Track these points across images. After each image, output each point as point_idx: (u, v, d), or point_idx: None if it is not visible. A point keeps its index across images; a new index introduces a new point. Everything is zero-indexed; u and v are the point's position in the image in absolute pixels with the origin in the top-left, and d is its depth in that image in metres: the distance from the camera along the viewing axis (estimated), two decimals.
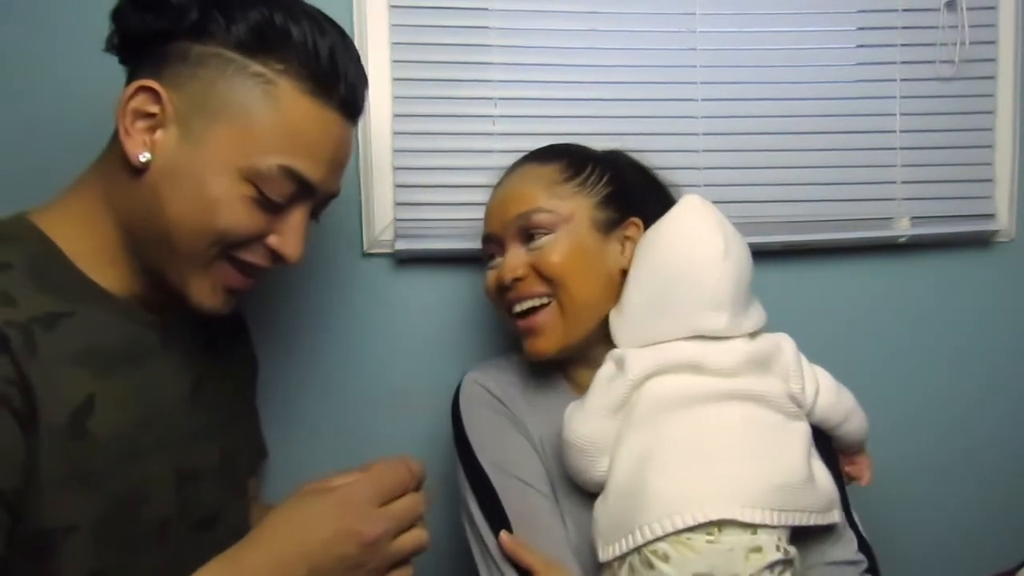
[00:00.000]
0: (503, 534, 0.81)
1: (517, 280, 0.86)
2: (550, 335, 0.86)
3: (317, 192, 0.73)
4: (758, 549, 0.71)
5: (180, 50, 0.68)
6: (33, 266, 0.66)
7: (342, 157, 0.76)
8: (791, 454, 0.77)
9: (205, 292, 0.72)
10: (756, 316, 0.84)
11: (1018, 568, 1.08)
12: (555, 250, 0.85)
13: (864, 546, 0.84)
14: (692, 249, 0.82)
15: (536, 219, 0.86)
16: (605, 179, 0.90)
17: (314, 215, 0.78)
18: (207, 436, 0.81)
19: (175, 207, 0.68)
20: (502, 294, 0.89)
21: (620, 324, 0.85)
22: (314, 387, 1.11)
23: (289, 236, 0.73)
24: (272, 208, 0.71)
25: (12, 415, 0.59)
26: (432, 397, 1.10)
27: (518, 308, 0.88)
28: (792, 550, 0.74)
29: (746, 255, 0.85)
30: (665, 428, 0.77)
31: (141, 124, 0.68)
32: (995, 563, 1.13)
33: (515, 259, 0.87)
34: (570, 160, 0.91)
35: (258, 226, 0.71)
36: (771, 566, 0.71)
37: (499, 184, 0.94)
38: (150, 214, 0.69)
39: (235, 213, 0.69)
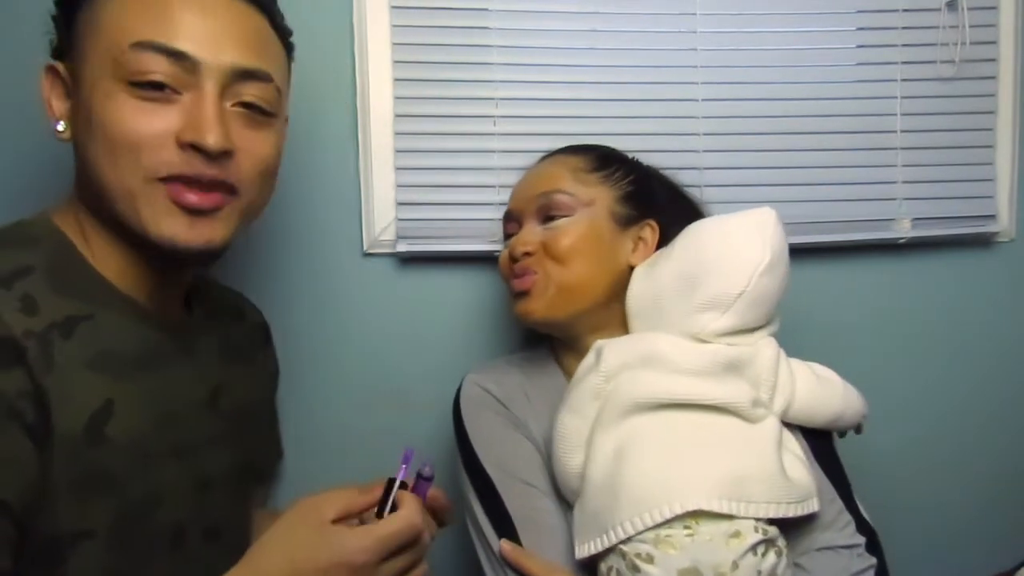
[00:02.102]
0: (503, 542, 0.81)
1: (526, 254, 0.88)
2: (538, 300, 0.87)
3: (200, 64, 0.67)
4: (737, 534, 0.72)
5: (76, 24, 0.70)
6: (52, 268, 0.67)
7: (208, 21, 0.68)
8: (757, 451, 0.77)
9: (162, 220, 0.67)
10: (751, 339, 0.83)
11: (1018, 568, 1.08)
12: (568, 233, 0.87)
13: (865, 528, 0.83)
14: (735, 252, 0.81)
15: (557, 199, 0.88)
16: (630, 178, 0.92)
17: (250, 107, 0.71)
18: (222, 443, 0.81)
19: (93, 152, 0.67)
20: (511, 266, 0.91)
21: (635, 300, 0.87)
22: (314, 387, 1.11)
23: (195, 121, 0.67)
24: (163, 98, 0.67)
25: (25, 430, 0.59)
26: (433, 397, 1.10)
27: (519, 275, 0.89)
28: (772, 529, 0.75)
29: (781, 285, 0.83)
30: (634, 428, 0.78)
31: (56, 103, 0.71)
32: (995, 563, 1.13)
33: (529, 234, 0.89)
34: (599, 154, 0.94)
35: (162, 124, 0.66)
36: (753, 548, 0.72)
37: (528, 170, 0.97)
38: (91, 179, 0.69)
39: (130, 117, 0.66)
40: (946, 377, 1.24)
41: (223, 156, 0.68)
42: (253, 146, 0.71)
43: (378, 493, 0.66)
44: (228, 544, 0.79)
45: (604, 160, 0.93)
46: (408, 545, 0.64)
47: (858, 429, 0.93)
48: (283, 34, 0.77)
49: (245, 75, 0.70)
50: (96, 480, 0.64)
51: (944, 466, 1.24)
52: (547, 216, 0.89)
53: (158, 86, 0.66)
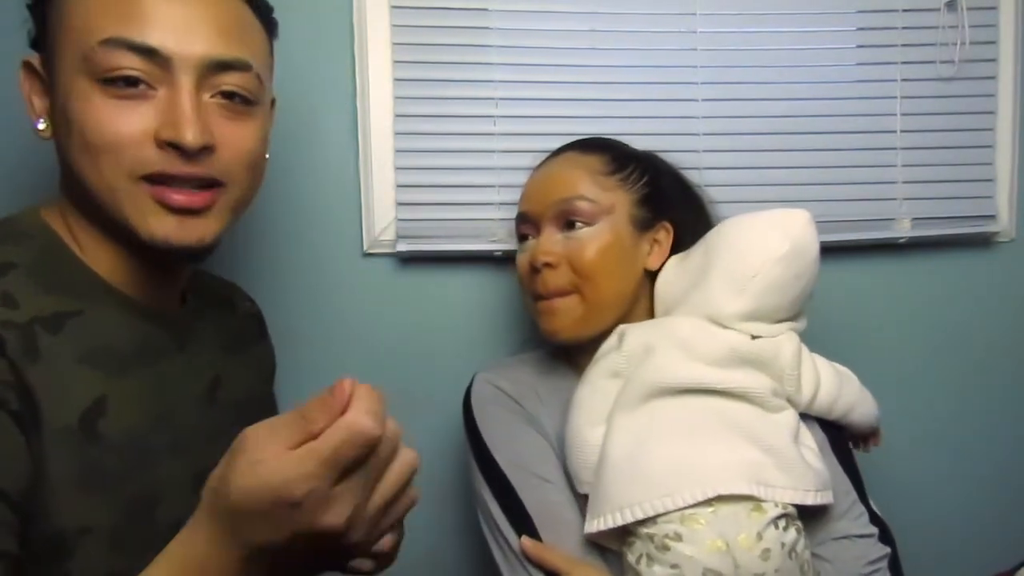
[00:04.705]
0: (524, 539, 0.80)
1: (547, 265, 0.87)
2: (567, 317, 0.87)
3: (172, 59, 0.65)
4: (757, 508, 0.74)
5: (47, 17, 0.68)
6: (38, 265, 0.66)
7: (179, 10, 0.66)
8: (776, 439, 0.78)
9: (151, 220, 0.66)
10: (773, 330, 0.84)
11: (1018, 568, 1.08)
12: (591, 245, 0.86)
13: (876, 520, 0.85)
14: (755, 237, 0.83)
15: (578, 206, 0.87)
16: (645, 179, 0.91)
17: (230, 96, 0.69)
18: (221, 437, 0.78)
19: (73, 152, 0.66)
20: (532, 275, 0.90)
21: (666, 285, 0.88)
22: (314, 387, 1.09)
23: (172, 118, 0.65)
24: (138, 94, 0.65)
25: (10, 416, 0.58)
26: (434, 397, 1.11)
27: (543, 295, 0.88)
28: (791, 507, 0.76)
29: (800, 279, 0.83)
30: (655, 411, 0.79)
31: (36, 99, 0.70)
32: (995, 563, 1.13)
33: (550, 243, 0.88)
34: (614, 154, 0.92)
35: (139, 123, 0.64)
36: (774, 521, 0.74)
37: (540, 166, 0.95)
38: (74, 179, 0.67)
39: (106, 118, 0.64)
40: (946, 377, 1.24)
41: (203, 152, 0.66)
42: (235, 139, 0.69)
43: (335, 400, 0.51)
44: None
45: (620, 161, 0.91)
46: (364, 456, 0.49)
47: (865, 440, 0.95)
48: (263, 13, 0.74)
49: (221, 66, 0.67)
50: (94, 477, 0.63)
51: (944, 466, 1.24)
52: (567, 222, 0.88)
53: (132, 82, 0.64)
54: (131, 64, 0.64)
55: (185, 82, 0.65)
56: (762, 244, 0.82)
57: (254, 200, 0.77)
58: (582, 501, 0.82)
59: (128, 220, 0.66)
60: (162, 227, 0.66)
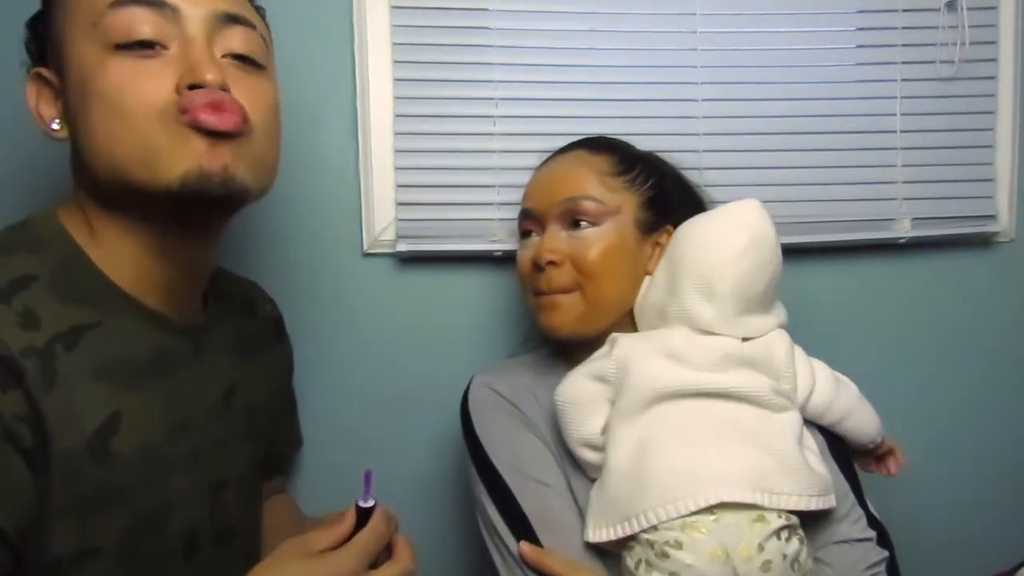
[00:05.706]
0: (523, 544, 0.80)
1: (551, 263, 0.87)
2: (568, 313, 0.87)
3: (180, 11, 0.67)
4: (760, 518, 0.74)
5: (53, 19, 0.69)
6: (58, 275, 0.65)
7: None
8: (780, 442, 0.78)
9: (178, 154, 0.65)
10: (757, 325, 0.84)
11: (1018, 568, 1.08)
12: (596, 246, 0.86)
13: (874, 523, 0.85)
14: (712, 238, 0.83)
15: (585, 206, 0.87)
16: (651, 181, 0.91)
17: (239, 59, 0.70)
18: (236, 444, 0.80)
19: (98, 128, 0.65)
20: (534, 272, 0.89)
21: (640, 304, 0.88)
22: (314, 387, 1.11)
23: (190, 66, 0.66)
24: (153, 54, 0.66)
25: (20, 454, 0.58)
26: (435, 397, 1.11)
27: (545, 291, 0.88)
28: (793, 517, 0.76)
29: (766, 269, 0.83)
30: (657, 418, 0.79)
31: (45, 107, 0.71)
32: (995, 563, 1.13)
33: (554, 241, 0.87)
34: (622, 155, 0.92)
35: (159, 82, 0.65)
36: (776, 532, 0.73)
37: (546, 163, 0.95)
38: (97, 160, 0.66)
39: (128, 81, 0.64)
40: (946, 377, 1.24)
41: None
42: (252, 91, 0.70)
43: (350, 520, 0.68)
44: (242, 545, 0.79)
45: (627, 162, 0.91)
46: (380, 548, 0.67)
47: (879, 459, 0.96)
48: (258, 8, 0.76)
49: (228, 19, 0.69)
50: (102, 497, 0.63)
51: (943, 466, 1.24)
52: (573, 221, 0.87)
53: (145, 44, 0.65)
54: (143, 21, 0.65)
55: (196, 32, 0.67)
56: (720, 243, 0.82)
57: (274, 177, 0.76)
58: (584, 498, 0.82)
59: (154, 166, 0.64)
60: (188, 158, 0.64)
